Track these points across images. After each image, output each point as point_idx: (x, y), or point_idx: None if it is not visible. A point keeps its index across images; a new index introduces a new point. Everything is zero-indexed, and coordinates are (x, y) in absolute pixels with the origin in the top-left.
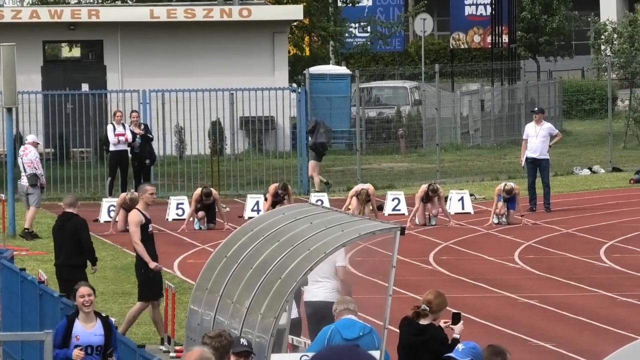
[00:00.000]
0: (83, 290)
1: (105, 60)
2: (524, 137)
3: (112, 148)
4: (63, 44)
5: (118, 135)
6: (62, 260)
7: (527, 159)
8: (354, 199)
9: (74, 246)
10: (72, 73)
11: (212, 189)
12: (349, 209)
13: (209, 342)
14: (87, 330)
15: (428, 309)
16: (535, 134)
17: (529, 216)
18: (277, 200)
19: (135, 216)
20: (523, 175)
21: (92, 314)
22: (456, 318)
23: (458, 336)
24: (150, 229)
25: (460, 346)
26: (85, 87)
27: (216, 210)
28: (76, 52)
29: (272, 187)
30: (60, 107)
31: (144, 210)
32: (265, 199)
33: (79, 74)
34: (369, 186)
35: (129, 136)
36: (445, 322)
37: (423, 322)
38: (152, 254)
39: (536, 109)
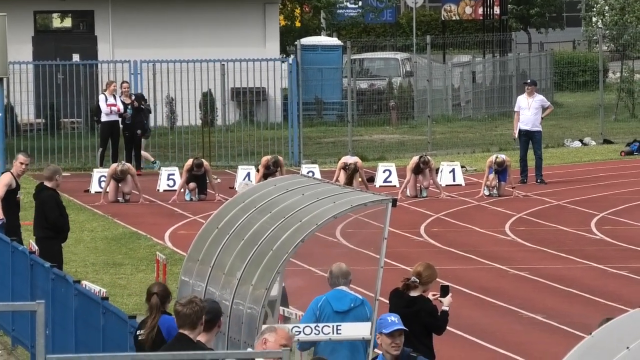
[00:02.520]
0: None
1: (96, 30)
2: (515, 109)
3: (104, 118)
4: (54, 15)
5: (110, 106)
6: (34, 232)
7: (520, 131)
8: (342, 172)
9: (40, 219)
10: (63, 43)
11: (203, 160)
12: (338, 182)
13: (181, 309)
14: None
15: (418, 281)
16: (528, 106)
17: (520, 188)
18: (269, 173)
19: (6, 178)
20: (514, 147)
21: None
22: (444, 291)
23: (447, 309)
24: (19, 195)
25: (394, 319)
26: (76, 57)
27: (207, 181)
28: (67, 22)
29: (264, 159)
30: (51, 77)
31: (17, 176)
32: (257, 170)
33: (70, 45)
34: (356, 159)
35: (121, 107)
36: (433, 295)
37: (413, 293)
38: (14, 220)
39: (529, 81)
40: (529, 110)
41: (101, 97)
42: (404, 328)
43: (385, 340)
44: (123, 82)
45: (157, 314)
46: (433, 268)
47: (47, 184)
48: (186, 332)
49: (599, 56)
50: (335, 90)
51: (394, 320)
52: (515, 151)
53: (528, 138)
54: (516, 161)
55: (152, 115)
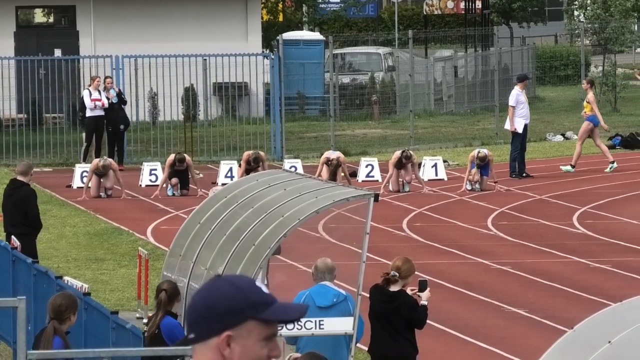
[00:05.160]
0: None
1: (77, 25)
2: (512, 103)
3: (88, 113)
4: (36, 10)
5: (94, 101)
6: (5, 228)
7: (525, 126)
8: (325, 166)
9: (19, 215)
10: (44, 39)
11: (185, 155)
12: (320, 177)
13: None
14: None
15: (398, 275)
16: (526, 100)
17: (505, 182)
18: (250, 168)
19: None
20: (496, 141)
21: None
22: (422, 285)
23: (426, 303)
24: None
25: None
26: (58, 52)
27: (189, 176)
28: (49, 17)
29: (246, 154)
30: (33, 72)
31: None
32: (240, 166)
33: (52, 40)
34: (338, 154)
35: (105, 101)
36: (412, 290)
37: (393, 288)
38: None
39: (529, 74)
40: (527, 104)
41: (85, 93)
42: None
43: None
44: (106, 77)
45: (162, 312)
46: (411, 262)
47: (23, 178)
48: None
49: (581, 50)
50: (318, 85)
51: None
52: (498, 145)
53: (526, 132)
54: (499, 156)
55: (134, 111)
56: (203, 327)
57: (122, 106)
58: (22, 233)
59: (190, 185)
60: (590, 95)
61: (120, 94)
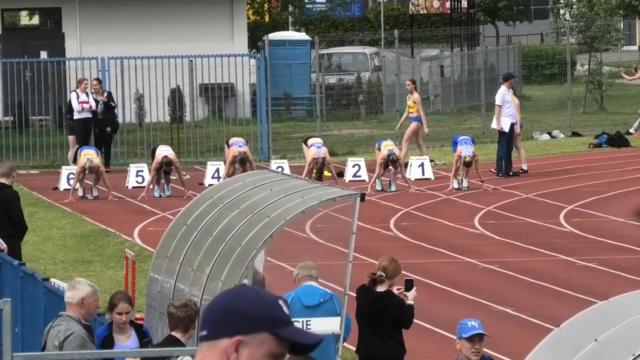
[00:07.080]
0: (122, 307)
1: (63, 27)
2: (499, 102)
3: (76, 116)
4: (21, 12)
5: (82, 103)
6: None
7: (511, 125)
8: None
9: (3, 217)
10: (30, 41)
11: (172, 157)
12: (310, 165)
13: (175, 312)
14: (120, 343)
15: (384, 275)
16: (512, 99)
17: (492, 181)
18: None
19: None
20: (482, 141)
21: (127, 326)
22: (409, 284)
23: (412, 302)
24: None
25: (474, 323)
26: (43, 54)
27: (175, 177)
28: (34, 19)
29: (232, 155)
30: (19, 75)
31: None
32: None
33: (38, 42)
34: (323, 154)
35: (93, 104)
36: (398, 289)
37: (380, 289)
38: None
39: (515, 74)
40: (513, 103)
41: (72, 95)
42: (485, 333)
43: (465, 345)
44: (94, 79)
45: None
46: (397, 261)
47: (5, 180)
48: (178, 336)
49: (567, 49)
50: (304, 85)
51: (474, 325)
52: (485, 144)
53: (513, 131)
54: (485, 155)
55: (120, 112)
56: (218, 326)
57: (112, 109)
58: (7, 235)
59: (178, 186)
60: (416, 96)
61: (109, 100)
